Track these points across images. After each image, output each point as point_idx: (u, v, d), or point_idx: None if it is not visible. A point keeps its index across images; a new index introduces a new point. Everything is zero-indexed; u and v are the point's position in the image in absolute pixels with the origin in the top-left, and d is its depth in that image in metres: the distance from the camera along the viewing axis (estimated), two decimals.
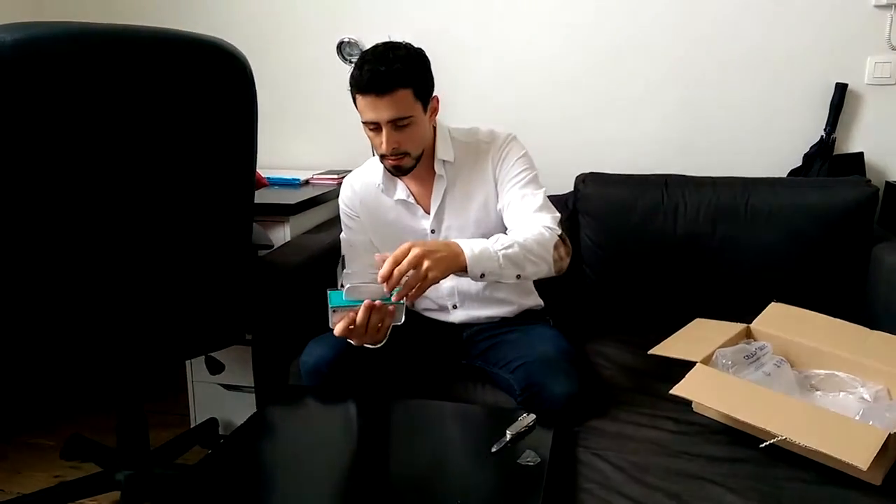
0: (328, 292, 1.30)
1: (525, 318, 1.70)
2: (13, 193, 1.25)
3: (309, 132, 2.50)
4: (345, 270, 1.31)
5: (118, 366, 1.60)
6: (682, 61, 2.18)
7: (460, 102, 2.25)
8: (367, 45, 2.22)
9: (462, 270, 1.32)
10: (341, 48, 2.32)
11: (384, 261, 1.26)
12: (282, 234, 1.98)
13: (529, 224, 1.47)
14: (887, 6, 2.02)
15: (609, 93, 2.25)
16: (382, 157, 1.51)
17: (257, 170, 1.61)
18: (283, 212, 1.96)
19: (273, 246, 1.82)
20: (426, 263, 1.25)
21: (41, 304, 1.38)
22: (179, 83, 1.34)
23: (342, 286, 1.30)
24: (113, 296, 1.42)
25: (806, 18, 2.08)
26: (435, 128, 1.59)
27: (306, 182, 2.29)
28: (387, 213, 1.64)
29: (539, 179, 1.59)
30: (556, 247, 1.44)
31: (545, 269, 1.42)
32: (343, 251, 1.70)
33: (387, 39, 1.51)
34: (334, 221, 2.19)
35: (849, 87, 2.08)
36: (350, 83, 1.46)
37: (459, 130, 1.64)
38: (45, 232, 1.31)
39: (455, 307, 1.68)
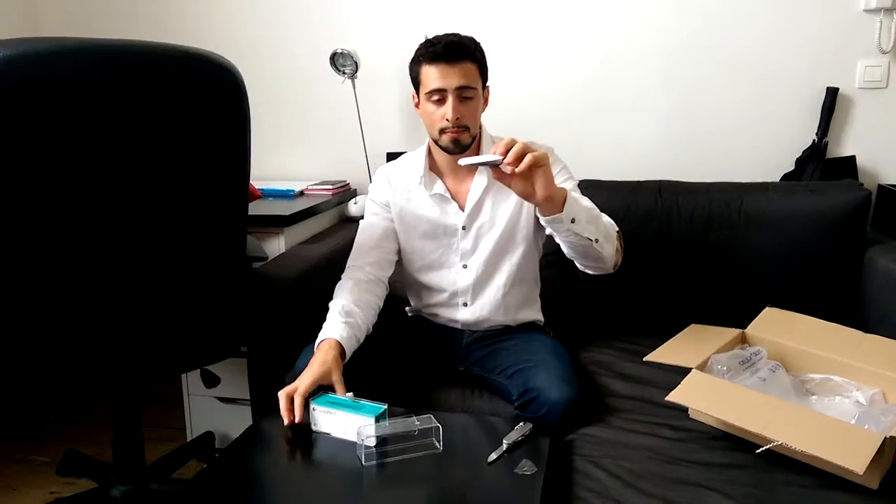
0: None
1: (525, 328, 1.72)
2: (7, 208, 1.25)
3: (303, 143, 2.51)
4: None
5: (114, 380, 1.59)
6: (674, 68, 2.19)
7: None
8: (361, 56, 2.27)
9: (558, 207, 1.35)
10: (334, 59, 2.32)
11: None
12: (276, 246, 1.98)
13: None
14: (876, 10, 2.03)
15: (602, 99, 2.26)
16: (442, 132, 1.54)
17: (251, 181, 1.61)
18: (277, 223, 1.96)
19: (268, 258, 1.82)
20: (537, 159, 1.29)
21: (35, 317, 1.38)
22: (172, 96, 1.34)
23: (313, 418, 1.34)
24: (107, 310, 1.42)
25: (796, 23, 2.10)
26: (481, 126, 1.64)
27: (301, 193, 2.29)
28: (419, 207, 1.67)
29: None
30: (617, 238, 1.51)
31: (610, 251, 1.47)
32: (360, 233, 1.71)
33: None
34: (330, 232, 2.19)
35: (840, 91, 2.09)
36: (417, 57, 1.56)
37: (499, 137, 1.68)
38: (39, 246, 1.31)
39: (465, 304, 1.69)
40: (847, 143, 2.14)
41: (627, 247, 1.95)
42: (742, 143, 2.20)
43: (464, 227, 1.65)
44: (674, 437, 1.34)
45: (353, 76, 2.31)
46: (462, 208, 1.65)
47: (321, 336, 1.46)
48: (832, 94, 2.08)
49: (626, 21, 2.19)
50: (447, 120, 1.51)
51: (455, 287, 1.68)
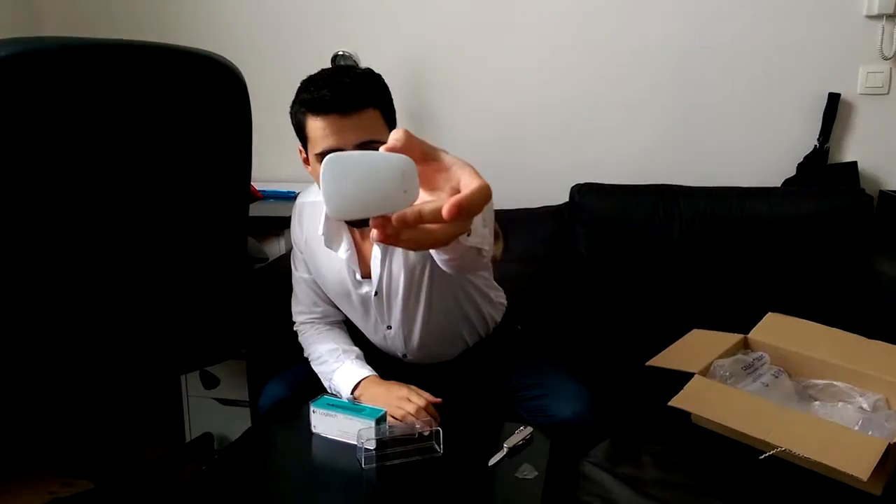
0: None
1: (497, 337, 1.57)
2: (8, 207, 1.24)
3: None
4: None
5: (113, 380, 1.59)
6: (676, 72, 2.19)
7: (455, 115, 2.26)
8: (362, 58, 2.26)
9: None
10: (335, 61, 2.32)
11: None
12: (277, 248, 1.97)
13: None
14: (879, 16, 2.03)
15: (603, 103, 2.25)
16: None
17: (252, 183, 1.60)
18: (278, 225, 1.95)
19: (268, 259, 1.82)
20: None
21: (34, 317, 1.37)
22: (174, 96, 1.34)
23: None
24: (106, 310, 1.41)
25: (798, 29, 2.10)
26: None
27: None
28: (326, 264, 1.48)
29: None
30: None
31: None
32: (295, 283, 1.60)
33: (338, 53, 1.41)
34: None
35: (841, 97, 2.09)
36: (297, 107, 1.27)
37: None
38: (38, 245, 1.30)
39: (405, 356, 1.54)
40: (849, 149, 2.14)
41: (629, 251, 1.96)
42: (743, 147, 2.19)
43: (376, 294, 1.44)
44: (677, 443, 1.34)
45: None
46: (368, 275, 1.42)
47: (351, 382, 1.40)
48: (834, 99, 2.08)
49: (627, 25, 2.19)
50: None
51: (386, 345, 1.53)
